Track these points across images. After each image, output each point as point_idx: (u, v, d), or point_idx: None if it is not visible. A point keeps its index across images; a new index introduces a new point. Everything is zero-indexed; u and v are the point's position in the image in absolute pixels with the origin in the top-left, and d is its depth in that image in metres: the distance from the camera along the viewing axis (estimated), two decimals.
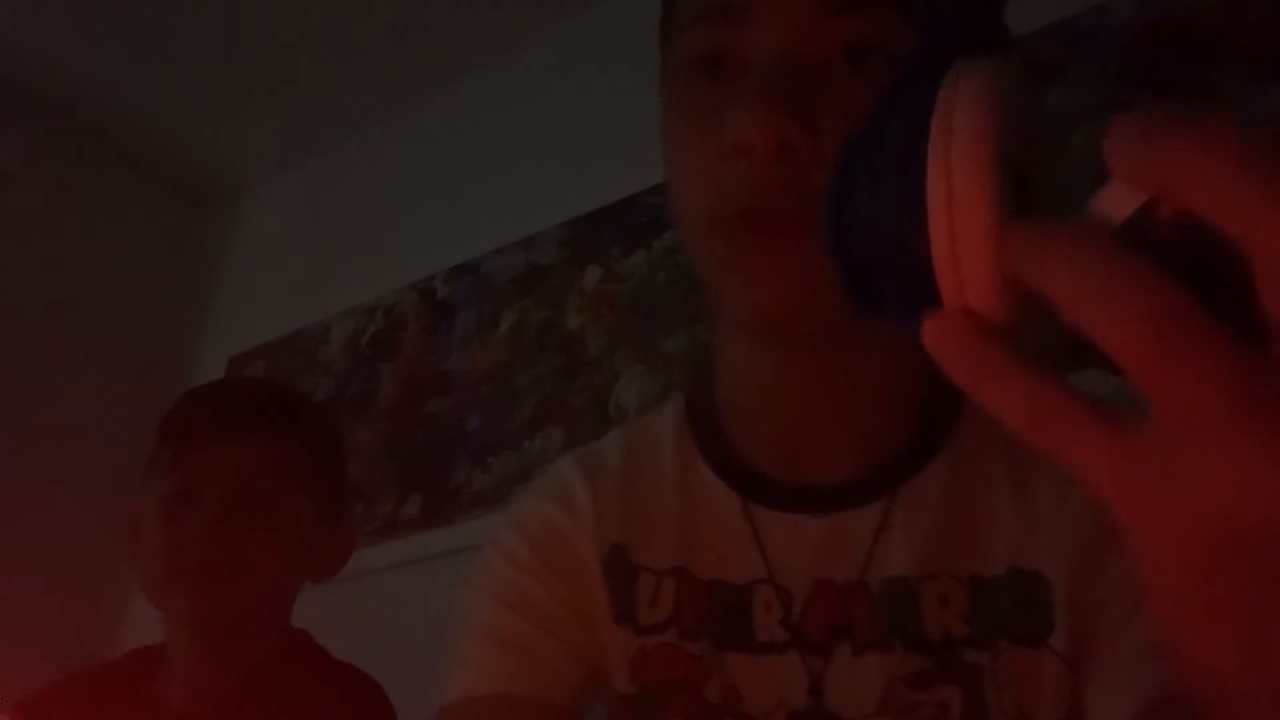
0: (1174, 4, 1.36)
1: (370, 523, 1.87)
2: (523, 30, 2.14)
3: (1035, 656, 0.54)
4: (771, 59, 0.48)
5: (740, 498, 0.60)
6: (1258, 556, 0.23)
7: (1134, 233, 0.24)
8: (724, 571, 0.60)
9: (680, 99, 0.55)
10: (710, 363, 0.63)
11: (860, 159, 0.33)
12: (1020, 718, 0.53)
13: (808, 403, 0.59)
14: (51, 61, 2.22)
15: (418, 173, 2.25)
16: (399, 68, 2.23)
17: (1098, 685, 0.52)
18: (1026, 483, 0.57)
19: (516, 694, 0.59)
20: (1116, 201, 0.25)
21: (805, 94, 0.47)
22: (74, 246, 2.30)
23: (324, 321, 2.22)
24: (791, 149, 0.47)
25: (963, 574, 0.56)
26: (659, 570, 0.61)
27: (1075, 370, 0.32)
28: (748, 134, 0.47)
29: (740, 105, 0.47)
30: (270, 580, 0.95)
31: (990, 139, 0.27)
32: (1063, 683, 0.53)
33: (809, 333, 0.53)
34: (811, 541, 0.58)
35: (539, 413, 1.77)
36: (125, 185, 2.45)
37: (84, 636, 2.01)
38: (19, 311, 2.16)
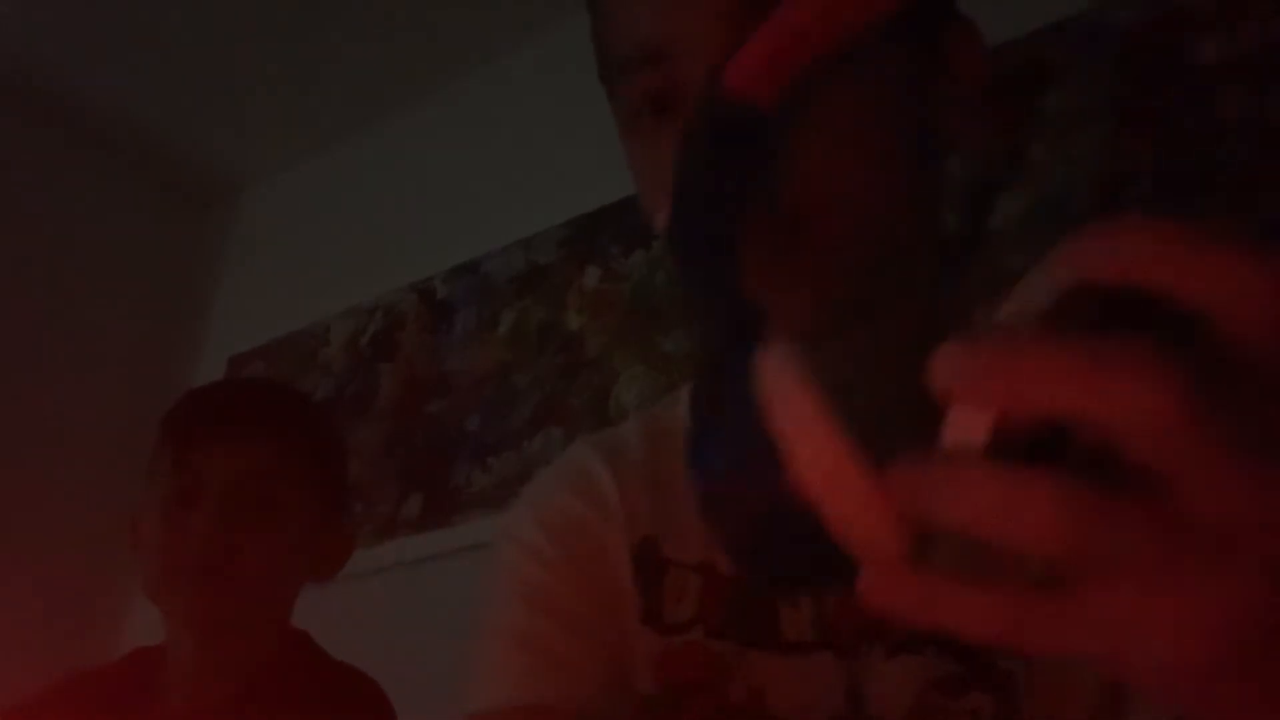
0: (1173, 4, 1.36)
1: (370, 523, 1.87)
2: (522, 30, 2.14)
3: (1069, 666, 0.52)
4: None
5: None
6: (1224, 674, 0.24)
7: (997, 440, 0.25)
8: None
9: (635, 136, 0.56)
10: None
11: (711, 452, 0.33)
12: None
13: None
14: (51, 62, 2.22)
15: (417, 173, 2.25)
16: (398, 68, 2.23)
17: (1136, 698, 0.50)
18: None
19: (549, 704, 0.57)
20: (968, 424, 0.25)
21: None
22: (74, 247, 2.30)
23: (324, 322, 2.22)
24: None
25: None
26: (686, 565, 0.59)
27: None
28: None
29: None
30: (270, 580, 0.95)
31: (819, 409, 0.28)
32: (1096, 693, 0.52)
33: (815, 314, 0.50)
34: None
35: (539, 413, 1.77)
36: (125, 186, 2.45)
37: (85, 637, 2.01)
38: (19, 312, 2.16)
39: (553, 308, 1.85)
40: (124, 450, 1.70)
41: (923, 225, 0.56)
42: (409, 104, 2.30)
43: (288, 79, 2.26)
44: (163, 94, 2.31)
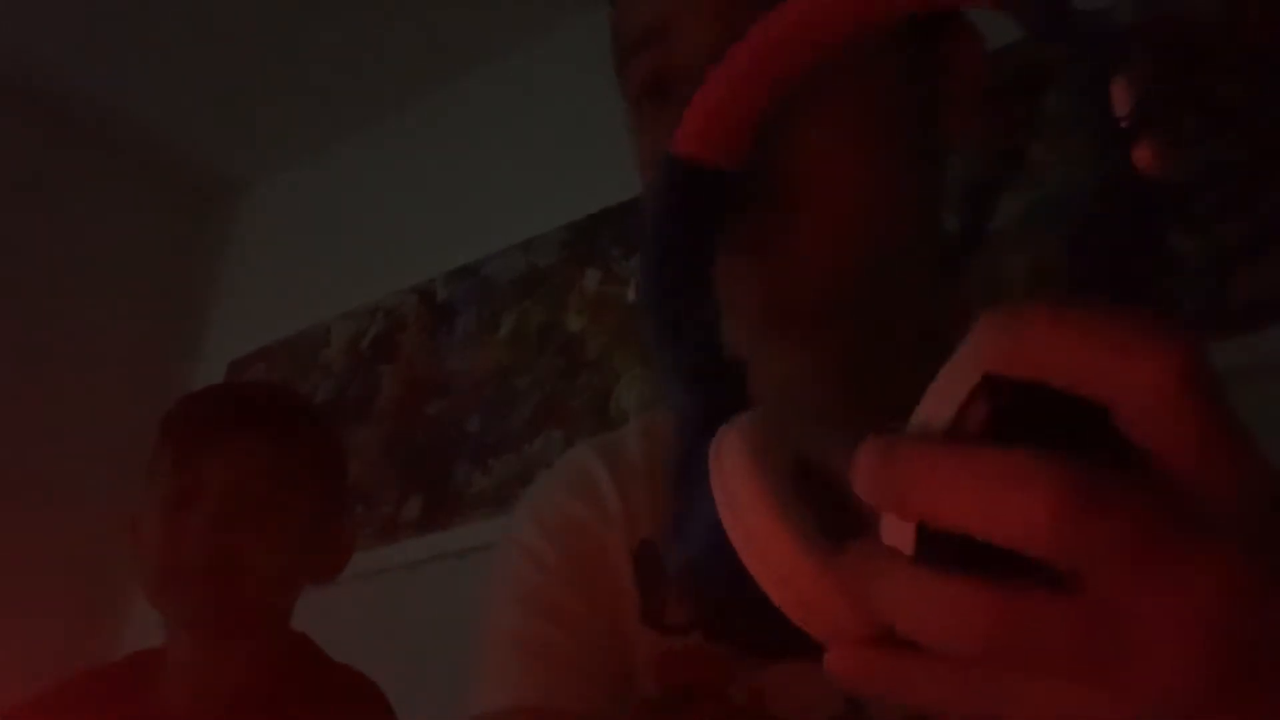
0: (1173, 7, 1.36)
1: (370, 524, 1.87)
2: (523, 32, 2.14)
3: None
4: (699, 74, 0.46)
5: None
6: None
7: (921, 546, 0.26)
8: None
9: (638, 124, 0.58)
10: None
11: (688, 528, 0.34)
12: None
13: (835, 391, 0.56)
14: (51, 63, 2.22)
15: (418, 175, 2.25)
16: (398, 69, 2.23)
17: None
18: None
19: (550, 707, 0.56)
20: (896, 530, 0.26)
21: None
22: (74, 248, 2.31)
23: (324, 323, 2.22)
24: None
25: None
26: None
27: None
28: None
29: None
30: (269, 582, 0.95)
31: (770, 495, 0.29)
32: None
33: (815, 311, 0.52)
34: None
35: (539, 414, 1.77)
36: (125, 187, 2.46)
37: (85, 639, 2.01)
38: (19, 313, 2.16)
39: (553, 310, 1.85)
40: (124, 451, 1.70)
41: (923, 225, 0.56)
42: (409, 105, 2.31)
43: (288, 80, 2.26)
44: (163, 95, 2.31)
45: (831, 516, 0.30)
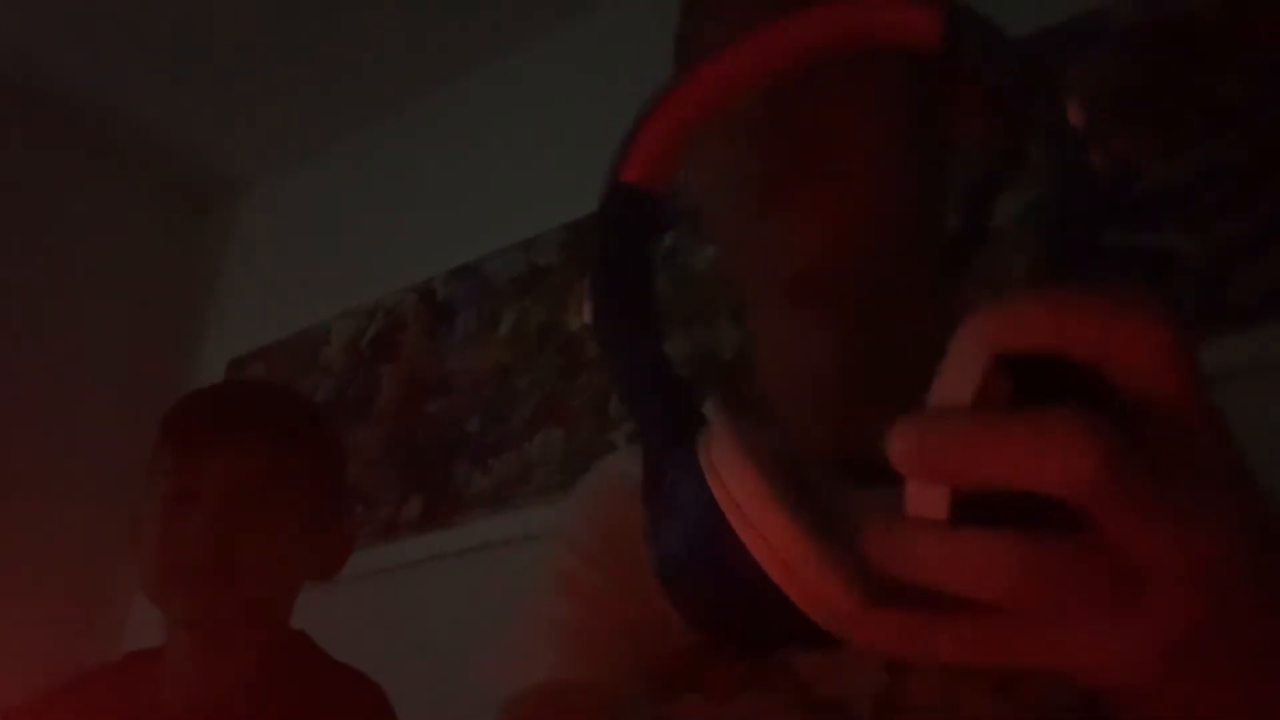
0: (1173, 7, 1.36)
1: (370, 524, 1.87)
2: (522, 31, 2.14)
3: None
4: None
5: None
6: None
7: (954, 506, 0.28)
8: None
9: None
10: (744, 362, 0.67)
11: (665, 536, 0.35)
12: None
13: (854, 372, 0.60)
14: (51, 63, 2.22)
15: (418, 174, 2.25)
16: (398, 69, 2.23)
17: None
18: None
19: (582, 682, 0.58)
20: (927, 498, 0.28)
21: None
22: (74, 248, 2.30)
23: (324, 323, 2.22)
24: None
25: None
26: None
27: None
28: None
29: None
30: (269, 580, 0.95)
31: (767, 486, 0.31)
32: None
33: (848, 284, 0.57)
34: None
35: (539, 414, 1.77)
36: (125, 187, 2.46)
37: (85, 638, 2.01)
38: (19, 313, 2.16)
39: (553, 309, 1.85)
40: (124, 451, 1.70)
41: (927, 219, 0.61)
42: (409, 105, 2.31)
43: (288, 80, 2.26)
44: (163, 95, 2.31)
45: (811, 508, 0.32)
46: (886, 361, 0.59)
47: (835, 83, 0.56)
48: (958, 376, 0.29)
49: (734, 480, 0.32)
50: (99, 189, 2.40)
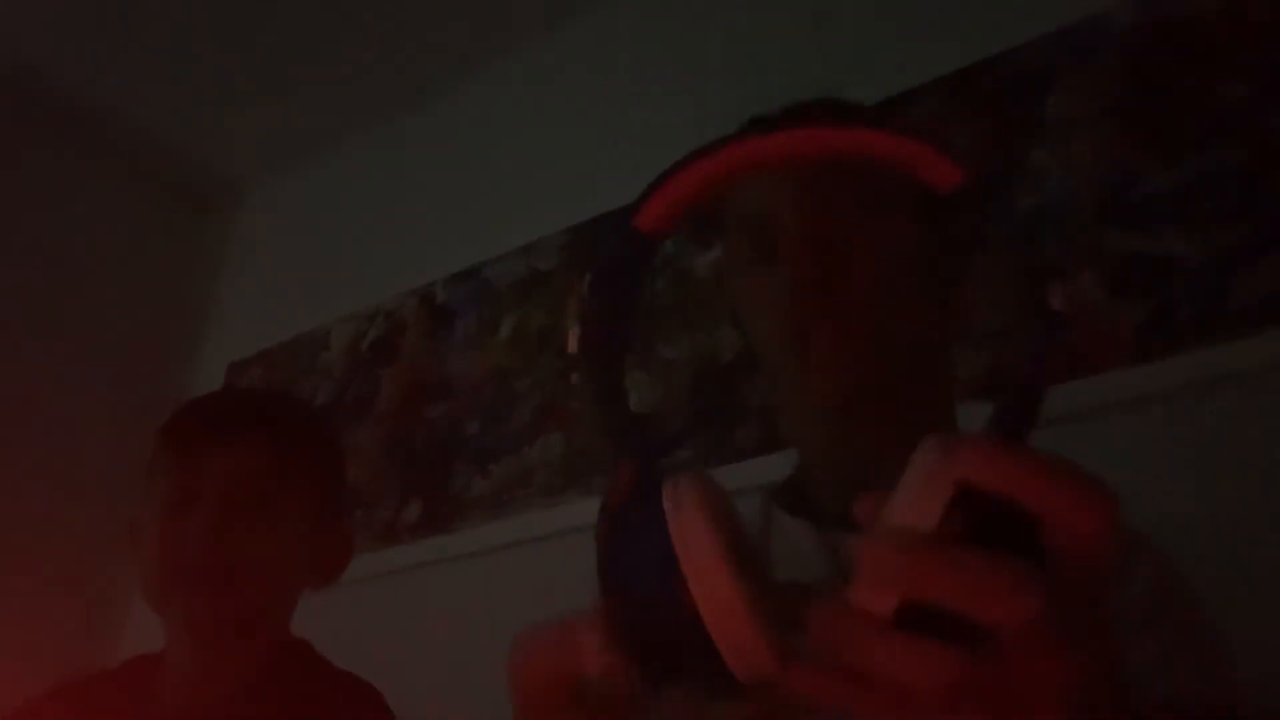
0: (1173, 11, 1.36)
1: (370, 528, 1.87)
2: (523, 36, 2.14)
3: None
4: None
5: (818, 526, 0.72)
6: None
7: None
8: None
9: (742, 282, 0.78)
10: (744, 364, 0.78)
11: (617, 572, 0.39)
12: None
13: (869, 464, 0.70)
14: (51, 65, 2.23)
15: (418, 177, 2.25)
16: (399, 72, 2.23)
17: None
18: None
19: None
20: (875, 598, 0.33)
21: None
22: (73, 250, 2.31)
23: (324, 326, 2.22)
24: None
25: None
26: None
27: None
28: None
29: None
30: (269, 584, 0.95)
31: (721, 554, 0.35)
32: None
33: (869, 399, 0.70)
34: None
35: (539, 418, 1.77)
36: (124, 189, 2.46)
37: (85, 639, 2.01)
38: (18, 315, 2.16)
39: (553, 313, 1.85)
40: (124, 454, 1.70)
41: (934, 335, 0.75)
42: (410, 109, 2.31)
43: (289, 83, 2.26)
44: (163, 98, 2.32)
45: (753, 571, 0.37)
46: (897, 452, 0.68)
47: (857, 234, 0.70)
48: (923, 499, 0.34)
49: (690, 529, 0.36)
50: (99, 191, 2.40)
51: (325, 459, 1.05)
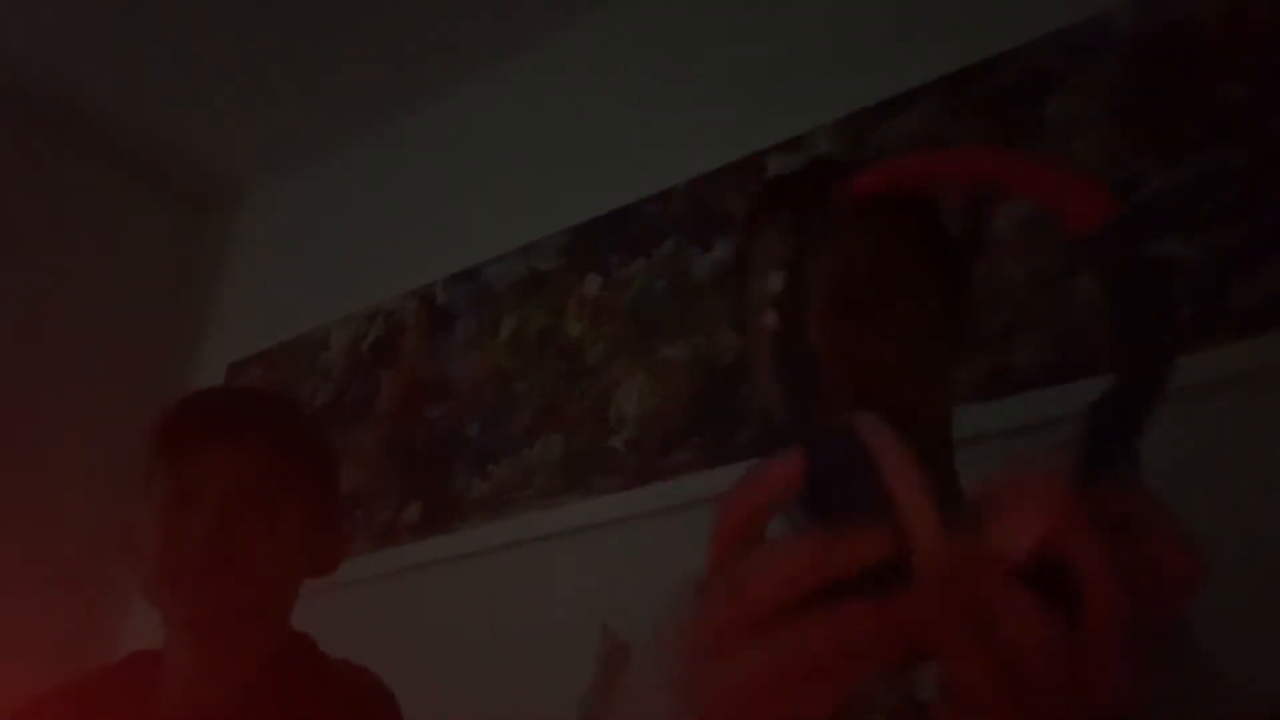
0: (1173, 12, 1.36)
1: (370, 529, 1.87)
2: (523, 37, 2.14)
3: None
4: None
5: None
6: None
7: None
8: None
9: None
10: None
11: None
12: None
13: None
14: (51, 65, 2.23)
15: (418, 179, 2.25)
16: (399, 74, 2.23)
17: None
18: None
19: None
20: (1017, 536, 0.35)
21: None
22: (74, 251, 2.31)
23: (324, 327, 2.22)
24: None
25: None
26: None
27: None
28: None
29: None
30: (270, 580, 0.95)
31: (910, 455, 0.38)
32: None
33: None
34: None
35: (539, 419, 1.77)
36: (125, 189, 2.46)
37: (85, 638, 2.01)
38: (19, 316, 2.16)
39: (553, 315, 1.85)
40: (123, 454, 1.70)
41: (938, 403, 0.76)
42: (410, 110, 2.31)
43: (289, 84, 2.26)
44: (163, 98, 2.32)
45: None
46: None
47: (882, 305, 0.72)
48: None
49: (885, 443, 0.38)
50: (100, 192, 2.40)
51: (320, 455, 1.05)
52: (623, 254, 1.80)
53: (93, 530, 2.02)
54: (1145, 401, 0.40)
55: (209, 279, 2.55)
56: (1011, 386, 1.27)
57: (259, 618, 0.96)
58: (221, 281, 2.54)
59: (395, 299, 2.13)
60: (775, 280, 0.45)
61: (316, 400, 2.12)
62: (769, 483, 0.41)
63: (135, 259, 2.44)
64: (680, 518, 1.47)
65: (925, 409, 0.75)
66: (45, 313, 2.22)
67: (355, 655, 1.02)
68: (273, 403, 1.09)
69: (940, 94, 1.53)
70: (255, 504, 0.94)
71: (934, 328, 0.76)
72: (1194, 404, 1.13)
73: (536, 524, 1.66)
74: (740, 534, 0.43)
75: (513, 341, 1.89)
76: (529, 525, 1.66)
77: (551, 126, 2.05)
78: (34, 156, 2.29)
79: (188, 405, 1.02)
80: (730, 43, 1.86)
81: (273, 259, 2.46)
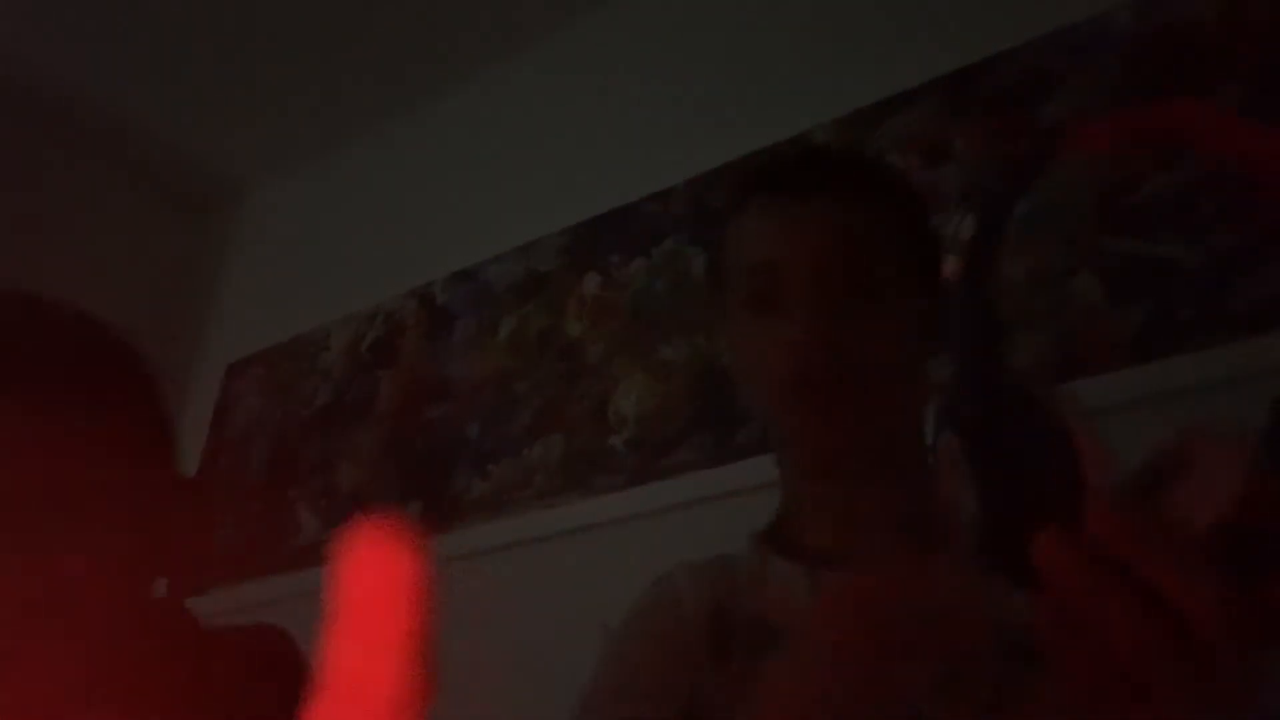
0: (1173, 13, 1.36)
1: None
2: (523, 37, 2.14)
3: None
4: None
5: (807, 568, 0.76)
6: None
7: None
8: None
9: (742, 327, 0.79)
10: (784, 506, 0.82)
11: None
12: None
13: (848, 520, 0.76)
14: (51, 66, 2.23)
15: (417, 179, 2.25)
16: (399, 74, 2.23)
17: None
18: None
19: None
20: (1203, 505, 0.36)
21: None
22: (73, 251, 2.30)
23: (323, 327, 2.22)
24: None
25: None
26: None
27: None
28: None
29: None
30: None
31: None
32: None
33: (847, 463, 0.75)
34: None
35: (538, 420, 1.77)
36: (125, 190, 2.46)
37: None
38: None
39: (553, 315, 1.85)
40: None
41: (916, 400, 0.78)
42: (410, 110, 2.31)
43: (289, 84, 2.26)
44: (163, 99, 2.32)
45: None
46: (880, 511, 0.75)
47: (866, 303, 0.74)
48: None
49: (1083, 427, 0.40)
50: (100, 192, 2.40)
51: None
52: (622, 254, 1.80)
53: None
54: None
55: (209, 279, 2.55)
56: None
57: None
58: (221, 282, 2.55)
59: (395, 299, 2.13)
60: (967, 225, 0.44)
61: (316, 400, 2.12)
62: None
63: (135, 260, 2.44)
64: (680, 518, 1.47)
65: (911, 406, 0.76)
66: None
67: None
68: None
69: (940, 94, 1.53)
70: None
71: (923, 327, 0.77)
72: (1194, 404, 1.13)
73: (536, 524, 1.66)
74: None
75: (512, 341, 1.89)
76: (529, 525, 1.66)
77: (551, 126, 2.05)
78: (34, 156, 2.29)
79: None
80: (730, 42, 1.86)
81: (272, 259, 2.46)
